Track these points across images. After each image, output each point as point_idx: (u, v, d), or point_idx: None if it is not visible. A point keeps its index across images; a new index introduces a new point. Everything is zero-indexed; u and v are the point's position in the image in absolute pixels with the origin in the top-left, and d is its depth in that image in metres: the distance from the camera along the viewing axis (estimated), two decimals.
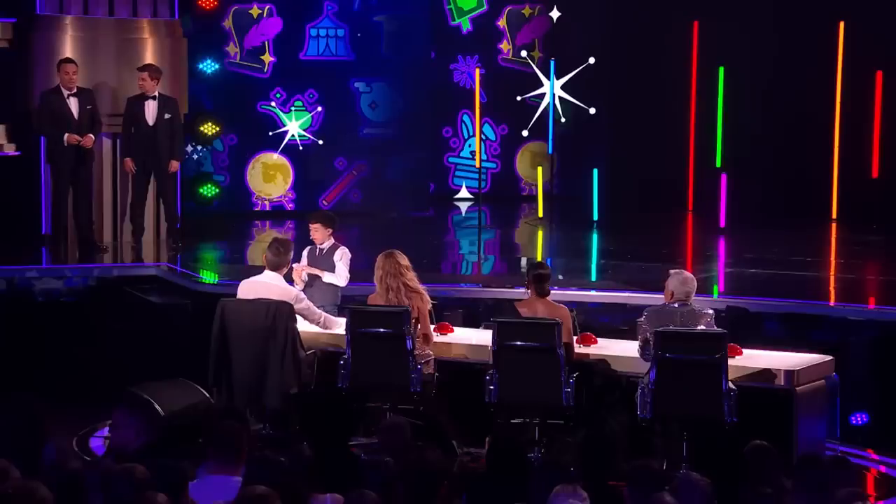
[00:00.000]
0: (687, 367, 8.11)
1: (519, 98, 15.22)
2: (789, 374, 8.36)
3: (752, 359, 8.53)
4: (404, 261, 8.98)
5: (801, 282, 11.45)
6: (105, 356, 10.78)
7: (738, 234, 13.76)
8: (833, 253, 13.32)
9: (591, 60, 14.88)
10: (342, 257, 9.79)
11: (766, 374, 8.40)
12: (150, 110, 12.56)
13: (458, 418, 8.91)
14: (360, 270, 9.95)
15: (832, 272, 12.27)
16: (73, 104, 12.40)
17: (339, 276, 9.77)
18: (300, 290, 9.51)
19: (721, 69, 14.72)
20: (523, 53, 15.79)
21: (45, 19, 13.11)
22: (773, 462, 6.32)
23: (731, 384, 8.11)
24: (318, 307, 9.48)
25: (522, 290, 9.04)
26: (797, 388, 8.35)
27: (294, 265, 9.73)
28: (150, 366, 9.93)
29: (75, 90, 12.41)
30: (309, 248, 9.98)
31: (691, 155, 15.35)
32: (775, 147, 14.63)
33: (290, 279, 9.45)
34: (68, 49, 13.02)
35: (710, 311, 8.48)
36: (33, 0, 13.08)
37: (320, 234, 9.84)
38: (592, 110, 14.97)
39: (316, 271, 9.79)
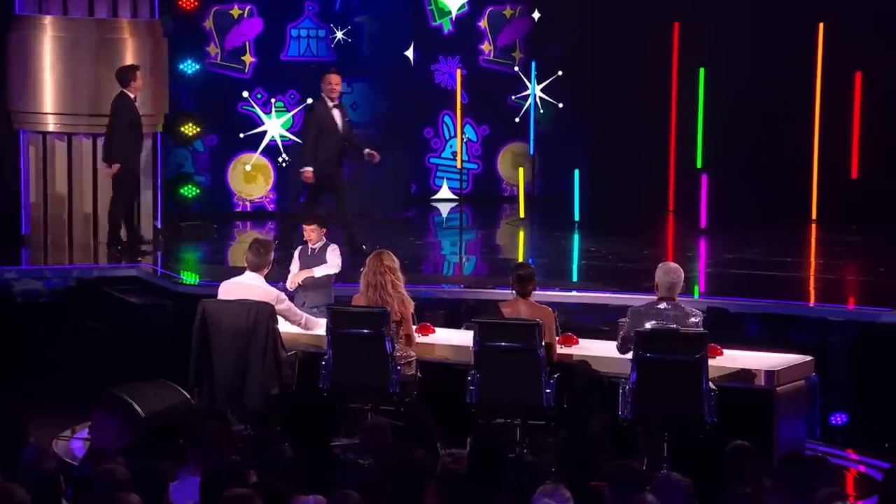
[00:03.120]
0: (667, 367, 8.12)
1: (514, 97, 15.23)
2: (769, 374, 8.39)
3: (733, 359, 8.55)
4: (390, 262, 8.99)
5: (782, 282, 11.49)
6: (85, 357, 10.76)
7: (719, 234, 13.80)
8: (813, 253, 13.37)
9: (560, 73, 15.01)
10: (333, 250, 9.87)
11: (747, 374, 8.42)
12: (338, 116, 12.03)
13: (440, 419, 8.91)
14: (342, 271, 9.97)
15: (812, 273, 12.32)
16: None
17: (331, 265, 9.83)
18: (294, 291, 9.58)
19: (701, 70, 14.76)
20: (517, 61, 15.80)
21: (23, 19, 13.07)
22: (753, 462, 6.34)
23: (711, 384, 8.12)
24: (312, 308, 9.50)
25: (505, 290, 9.06)
26: (777, 389, 8.38)
27: (291, 272, 9.78)
28: (130, 367, 9.91)
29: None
30: (300, 248, 9.99)
31: (672, 156, 15.39)
32: (756, 148, 14.67)
33: (270, 280, 9.44)
34: (47, 49, 12.98)
35: (698, 312, 8.46)
36: (11, 0, 13.03)
37: (316, 235, 9.89)
38: (560, 104, 15.04)
39: (308, 273, 9.82)
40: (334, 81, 12.11)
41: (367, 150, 12.25)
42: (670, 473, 6.13)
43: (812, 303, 10.78)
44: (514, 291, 8.78)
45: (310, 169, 12.05)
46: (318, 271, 9.82)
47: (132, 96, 12.41)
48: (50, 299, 11.40)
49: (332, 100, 12.10)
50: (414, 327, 9.09)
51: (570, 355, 8.77)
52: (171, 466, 6.28)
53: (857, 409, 9.83)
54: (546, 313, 8.67)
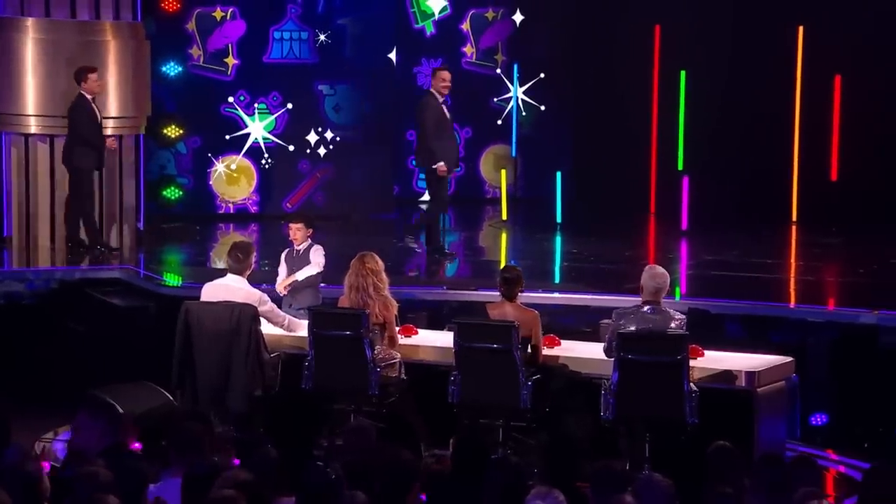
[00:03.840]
0: (649, 368, 8.15)
1: (496, 99, 15.22)
2: (750, 375, 8.42)
3: (714, 360, 8.58)
4: (373, 264, 9.00)
5: (762, 284, 11.53)
6: (68, 359, 10.73)
7: (700, 236, 13.84)
8: (793, 255, 13.41)
9: (542, 76, 15.03)
10: (317, 251, 9.87)
11: (728, 375, 8.45)
12: None
13: (425, 419, 8.92)
14: (325, 274, 9.96)
15: (792, 274, 12.36)
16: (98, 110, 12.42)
17: (313, 265, 9.84)
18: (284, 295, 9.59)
19: (683, 73, 14.80)
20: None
21: (5, 21, 13.03)
22: (735, 463, 6.36)
23: (692, 385, 8.15)
24: (300, 310, 9.51)
25: (487, 291, 9.08)
26: (758, 389, 8.41)
27: (280, 274, 9.78)
28: (113, 368, 9.89)
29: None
30: (287, 251, 10.00)
31: (653, 158, 15.42)
32: (736, 150, 14.71)
33: (257, 282, 9.44)
34: (29, 51, 12.95)
35: (681, 314, 8.48)
36: None
37: (301, 235, 9.91)
38: (542, 107, 15.06)
39: (288, 281, 9.82)
40: (448, 78, 12.28)
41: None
42: (651, 474, 6.15)
43: (792, 304, 10.82)
44: (501, 293, 8.81)
45: (443, 164, 12.19)
46: (301, 275, 9.82)
47: (89, 97, 12.38)
48: (32, 301, 11.36)
49: (442, 95, 12.21)
50: (397, 329, 9.10)
51: (554, 357, 8.79)
52: (152, 468, 6.27)
53: (836, 409, 9.87)
54: (532, 315, 8.71)
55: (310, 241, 9.95)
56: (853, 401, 9.80)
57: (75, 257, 12.39)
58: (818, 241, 13.47)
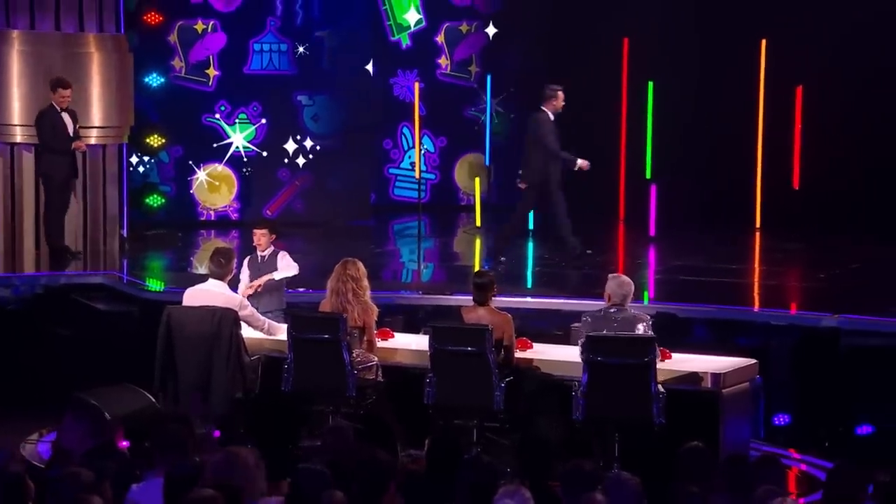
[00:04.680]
0: (618, 370, 8.17)
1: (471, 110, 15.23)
2: (716, 376, 8.44)
3: (681, 362, 8.60)
4: (354, 271, 9.01)
5: (727, 288, 11.57)
6: (53, 362, 10.68)
7: (667, 242, 13.87)
8: (757, 260, 13.46)
9: (512, 90, 15.06)
10: (284, 256, 9.88)
11: (694, 377, 8.48)
12: None
13: (401, 420, 8.92)
14: (305, 278, 9.94)
15: (756, 279, 12.40)
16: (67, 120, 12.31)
17: (289, 267, 9.84)
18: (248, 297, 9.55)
19: (650, 84, 14.84)
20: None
21: None
22: (705, 463, 6.37)
23: (660, 387, 8.17)
24: (265, 312, 9.48)
25: (462, 296, 9.09)
26: (723, 391, 8.44)
27: (242, 281, 9.75)
28: (97, 371, 9.84)
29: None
30: (249, 257, 9.98)
31: (622, 166, 15.46)
32: (702, 159, 14.76)
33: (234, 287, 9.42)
34: (15, 63, 12.89)
35: (647, 317, 8.54)
36: None
37: (265, 240, 9.91)
38: (512, 115, 15.10)
39: (263, 280, 9.81)
40: (563, 98, 12.44)
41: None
42: (620, 473, 6.16)
43: (756, 308, 10.86)
44: (474, 298, 8.83)
45: (586, 161, 12.52)
46: (278, 275, 9.81)
47: (58, 108, 12.33)
48: (18, 306, 11.31)
49: (555, 113, 12.40)
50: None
51: (526, 359, 8.80)
52: (134, 468, 6.25)
53: (798, 410, 9.90)
54: (504, 319, 8.73)
55: (273, 247, 9.94)
56: (814, 401, 9.83)
57: (62, 263, 12.33)
58: (781, 246, 13.52)
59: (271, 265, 9.87)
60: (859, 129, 12.70)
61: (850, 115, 13.69)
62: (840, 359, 9.81)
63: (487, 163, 16.15)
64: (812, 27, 14.09)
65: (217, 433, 8.83)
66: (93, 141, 12.88)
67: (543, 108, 12.53)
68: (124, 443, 7.44)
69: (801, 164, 13.97)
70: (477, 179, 15.46)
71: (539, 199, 12.66)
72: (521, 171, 12.75)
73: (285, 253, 9.97)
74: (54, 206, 12.53)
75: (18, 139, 13.02)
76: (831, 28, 14.05)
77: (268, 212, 15.18)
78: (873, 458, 8.22)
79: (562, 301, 10.67)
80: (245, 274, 9.91)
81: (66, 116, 12.34)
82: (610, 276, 8.69)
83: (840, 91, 13.85)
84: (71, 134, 12.33)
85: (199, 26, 15.03)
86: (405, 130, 16.43)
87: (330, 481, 5.74)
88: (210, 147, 15.12)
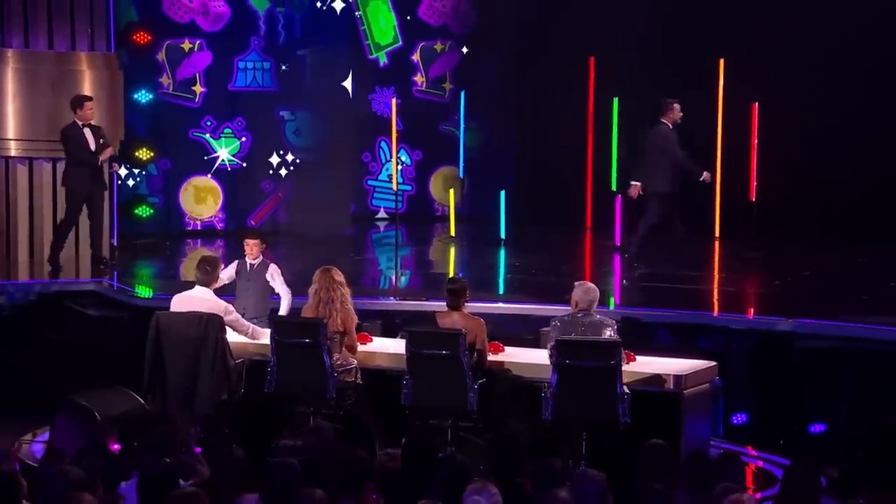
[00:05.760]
0: (585, 372, 8.18)
1: (445, 125, 15.21)
2: (678, 378, 8.47)
3: (645, 365, 8.63)
4: (339, 277, 9.01)
5: (688, 294, 11.60)
6: (46, 366, 10.63)
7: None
8: (716, 268, 13.51)
9: (486, 108, 15.15)
10: (276, 277, 9.72)
11: (657, 378, 8.50)
12: None
13: (379, 421, 8.90)
14: (288, 284, 9.91)
15: (715, 285, 12.45)
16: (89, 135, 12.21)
17: (287, 293, 9.69)
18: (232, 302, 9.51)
19: (615, 101, 14.89)
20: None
21: None
22: (666, 460, 6.39)
23: (625, 388, 8.19)
24: (252, 318, 9.45)
25: (437, 301, 9.09)
26: (685, 391, 8.46)
27: (221, 279, 9.68)
28: (88, 374, 9.80)
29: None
30: (238, 261, 9.93)
31: (589, 179, 15.49)
32: None
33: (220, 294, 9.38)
34: (10, 80, 12.84)
35: (613, 322, 8.57)
36: None
37: (257, 250, 9.85)
38: (486, 131, 15.18)
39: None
40: (680, 109, 12.39)
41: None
42: (586, 469, 6.17)
43: (715, 313, 10.89)
44: (449, 303, 8.82)
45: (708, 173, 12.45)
46: (284, 308, 9.65)
47: (80, 123, 12.28)
48: (13, 312, 11.25)
49: (673, 125, 12.31)
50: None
51: (498, 362, 8.80)
52: (123, 467, 6.22)
53: (755, 409, 9.94)
54: (477, 323, 8.73)
55: (261, 257, 9.87)
56: (771, 401, 9.87)
57: (98, 270, 12.24)
58: (739, 255, 13.57)
59: (260, 273, 9.81)
60: (811, 144, 12.77)
61: (802, 130, 13.78)
62: (794, 361, 9.85)
63: (461, 175, 16.17)
64: (767, 48, 14.18)
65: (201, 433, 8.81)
66: None
67: (663, 121, 12.47)
68: (115, 444, 7.40)
69: (757, 177, 14.02)
70: (451, 191, 15.47)
71: (670, 204, 12.43)
72: (633, 182, 12.59)
73: (276, 269, 9.81)
74: (70, 220, 12.44)
75: (13, 153, 12.97)
76: (784, 48, 14.16)
77: (252, 222, 15.15)
78: (825, 455, 8.26)
79: (532, 307, 10.68)
80: (227, 273, 9.82)
81: (87, 131, 12.27)
82: (576, 283, 8.71)
83: (792, 108, 13.92)
84: (93, 148, 12.26)
85: (186, 45, 15.00)
86: (383, 144, 16.43)
87: (300, 474, 5.72)
88: (196, 160, 15.09)
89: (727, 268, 13.28)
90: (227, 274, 9.84)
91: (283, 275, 9.84)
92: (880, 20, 13.76)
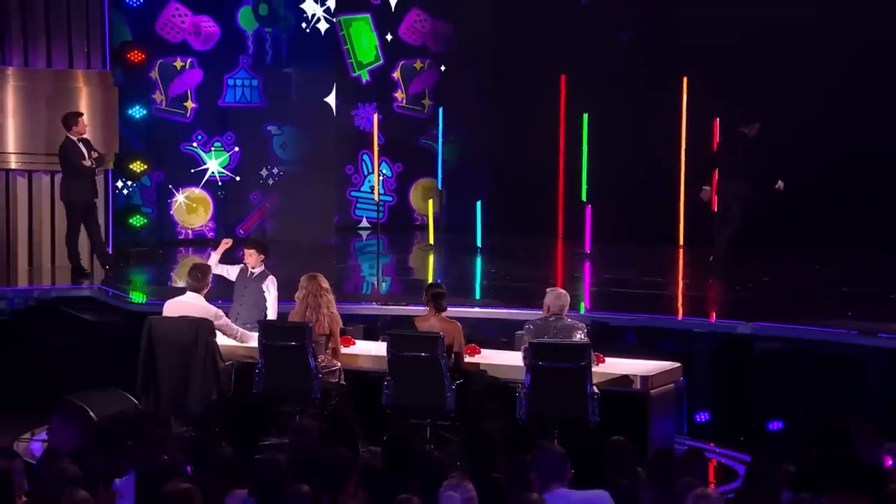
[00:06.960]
0: (557, 374, 8.19)
1: (423, 139, 15.22)
2: (644, 378, 8.49)
3: (613, 366, 8.64)
4: (325, 283, 8.99)
5: (654, 299, 11.63)
6: (44, 369, 10.58)
7: (601, 257, 13.93)
8: (680, 274, 13.55)
9: (463, 123, 15.16)
10: (270, 289, 9.64)
11: (625, 379, 8.52)
12: None
13: (362, 420, 8.88)
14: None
15: (679, 291, 12.48)
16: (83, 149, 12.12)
17: (273, 309, 9.61)
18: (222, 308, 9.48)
19: (585, 116, 14.94)
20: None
21: None
22: (630, 455, 6.40)
23: (595, 388, 8.20)
24: (246, 324, 9.42)
25: (417, 307, 9.07)
26: (651, 391, 8.48)
27: (219, 268, 9.65)
28: (84, 376, 9.75)
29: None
30: (241, 266, 9.85)
31: (560, 189, 15.53)
32: (632, 183, 14.84)
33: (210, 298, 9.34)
34: (10, 97, 12.80)
35: (583, 325, 8.58)
36: None
37: (253, 259, 9.75)
38: (463, 145, 15.20)
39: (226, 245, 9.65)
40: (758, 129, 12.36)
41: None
42: (550, 446, 6.16)
43: (679, 317, 10.92)
44: (428, 307, 8.81)
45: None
46: (272, 314, 9.60)
47: (74, 139, 12.22)
48: (13, 317, 11.20)
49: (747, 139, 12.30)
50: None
51: (475, 364, 8.80)
52: (118, 465, 6.19)
53: (718, 408, 9.96)
54: (455, 326, 8.72)
55: (262, 266, 9.79)
56: (732, 400, 9.90)
57: (78, 279, 12.17)
58: (701, 261, 13.61)
59: (258, 282, 9.71)
60: (769, 157, 12.82)
61: (763, 144, 13.84)
62: (753, 362, 9.89)
63: (440, 186, 16.19)
64: (727, 67, 14.27)
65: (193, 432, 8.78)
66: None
67: (736, 135, 12.46)
68: (108, 443, 7.36)
69: (718, 190, 14.07)
70: (430, 201, 15.48)
71: (742, 206, 12.41)
72: (707, 188, 12.59)
73: (273, 281, 9.65)
74: (74, 230, 12.39)
75: (13, 165, 12.92)
76: (744, 67, 14.25)
77: (241, 231, 15.12)
78: (782, 451, 8.29)
79: (507, 311, 10.68)
80: (229, 272, 9.77)
81: (81, 145, 12.21)
82: (548, 289, 8.73)
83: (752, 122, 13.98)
84: (88, 161, 12.20)
85: (178, 63, 14.98)
86: (365, 157, 16.43)
87: (286, 470, 5.70)
88: (188, 172, 15.07)
89: (690, 274, 13.31)
90: (232, 272, 9.79)
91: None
92: (842, 39, 13.82)
